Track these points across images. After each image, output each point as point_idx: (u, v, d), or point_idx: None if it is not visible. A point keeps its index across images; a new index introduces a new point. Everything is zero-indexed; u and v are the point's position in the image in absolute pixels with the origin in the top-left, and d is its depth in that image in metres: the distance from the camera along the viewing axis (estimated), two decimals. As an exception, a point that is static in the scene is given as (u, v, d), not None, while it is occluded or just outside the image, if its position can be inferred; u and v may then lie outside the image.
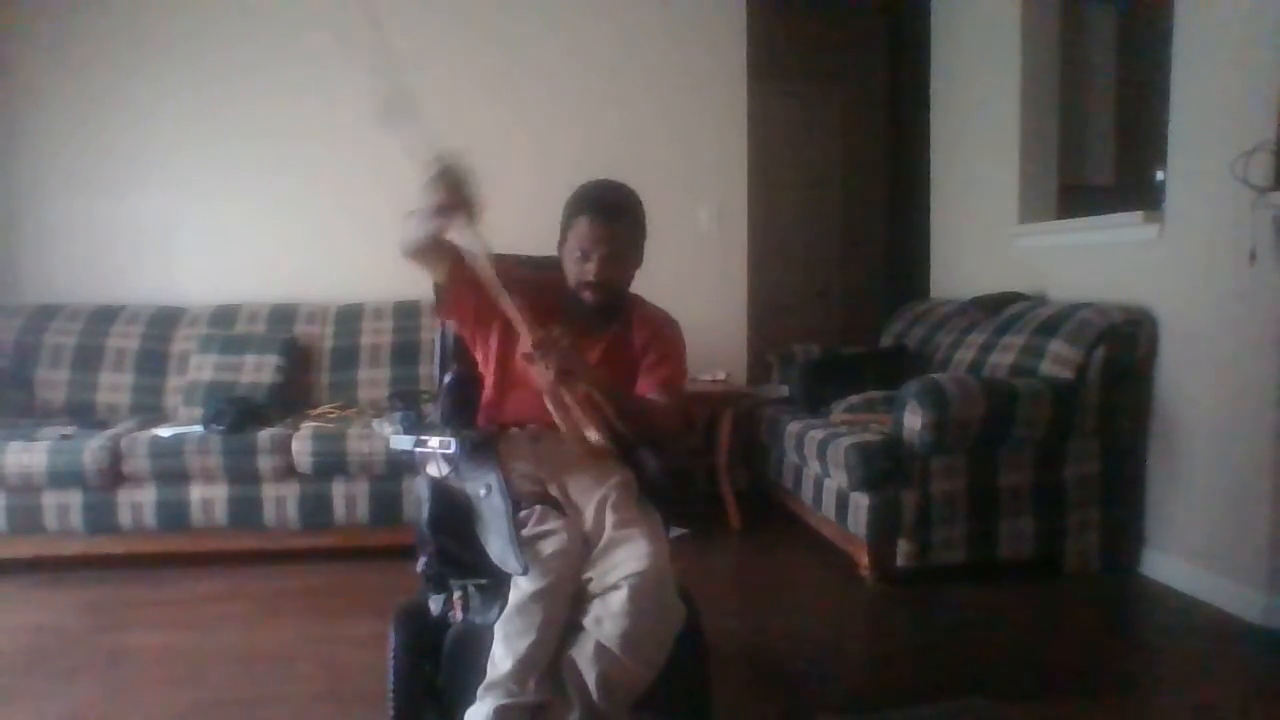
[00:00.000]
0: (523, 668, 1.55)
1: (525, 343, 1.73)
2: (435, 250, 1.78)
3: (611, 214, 1.90)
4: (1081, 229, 3.53)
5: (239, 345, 3.74)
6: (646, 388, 1.96)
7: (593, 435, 1.72)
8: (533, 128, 4.22)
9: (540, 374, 1.73)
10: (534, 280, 2.05)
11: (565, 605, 1.61)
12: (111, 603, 2.96)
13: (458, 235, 1.71)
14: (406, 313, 3.96)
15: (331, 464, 3.29)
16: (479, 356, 2.02)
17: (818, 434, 3.34)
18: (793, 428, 3.61)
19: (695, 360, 2.14)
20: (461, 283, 1.84)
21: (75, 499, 3.22)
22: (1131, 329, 3.06)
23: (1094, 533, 3.11)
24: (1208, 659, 2.52)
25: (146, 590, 3.09)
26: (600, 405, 1.78)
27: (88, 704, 2.24)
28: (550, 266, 2.04)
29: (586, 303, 1.93)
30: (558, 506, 1.72)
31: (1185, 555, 2.96)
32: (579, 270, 1.91)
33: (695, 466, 3.76)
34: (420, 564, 1.73)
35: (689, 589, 1.75)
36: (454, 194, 1.62)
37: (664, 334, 2.04)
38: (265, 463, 3.27)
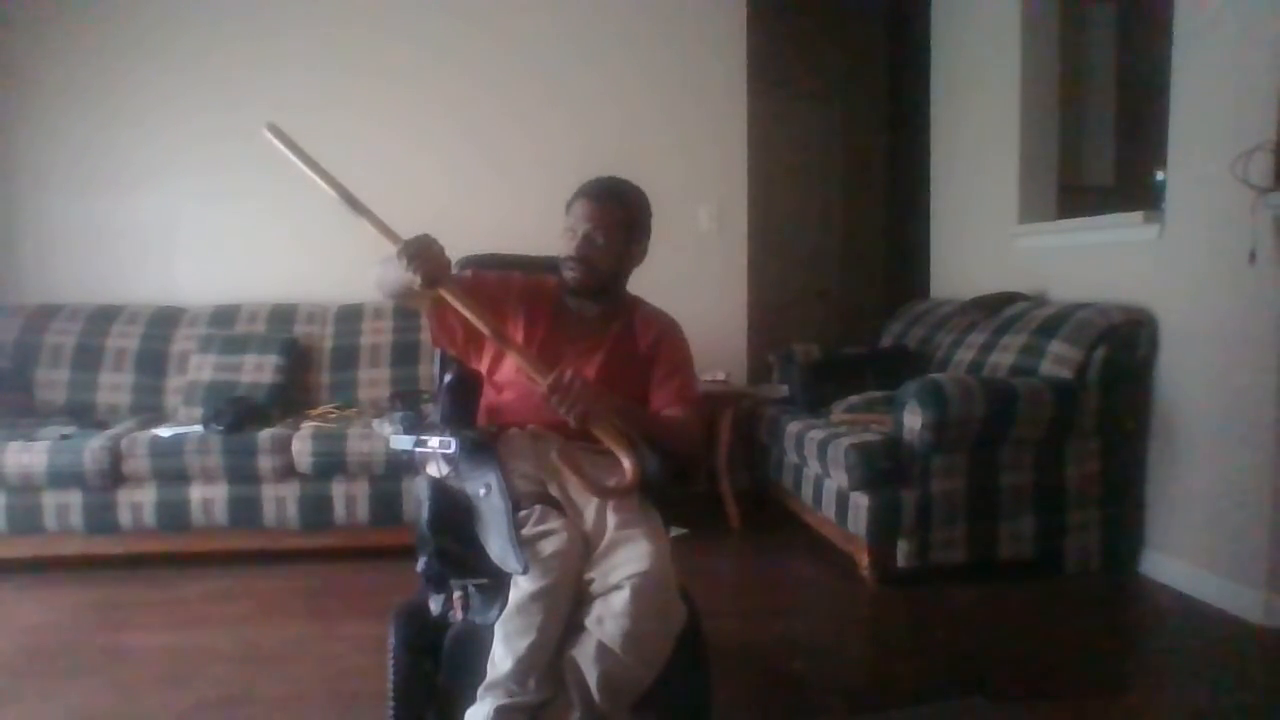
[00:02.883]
0: (523, 667, 1.55)
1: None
2: (410, 296, 1.88)
3: (601, 196, 1.96)
4: (1081, 229, 3.53)
5: (239, 345, 3.74)
6: (663, 401, 1.98)
7: (627, 463, 1.73)
8: (533, 129, 4.22)
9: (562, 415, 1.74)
10: (533, 282, 2.05)
11: (565, 605, 1.60)
12: (111, 603, 2.96)
13: (446, 292, 1.80)
14: (406, 313, 3.95)
15: (331, 464, 3.29)
16: (477, 365, 2.03)
17: (818, 434, 3.34)
18: (793, 428, 3.61)
19: (696, 360, 2.14)
20: (444, 316, 1.92)
21: (75, 499, 3.22)
22: (1131, 329, 3.06)
23: (1094, 533, 3.11)
24: (1208, 659, 2.52)
25: (146, 590, 3.08)
26: (624, 430, 1.79)
27: (88, 704, 2.24)
28: (550, 268, 2.04)
29: (568, 282, 1.97)
30: (558, 506, 1.72)
31: (1185, 555, 2.96)
32: (565, 249, 1.96)
33: (697, 467, 3.76)
34: (420, 564, 1.72)
35: (689, 589, 1.75)
36: (419, 259, 1.72)
37: (670, 338, 2.05)
38: (265, 463, 3.27)
